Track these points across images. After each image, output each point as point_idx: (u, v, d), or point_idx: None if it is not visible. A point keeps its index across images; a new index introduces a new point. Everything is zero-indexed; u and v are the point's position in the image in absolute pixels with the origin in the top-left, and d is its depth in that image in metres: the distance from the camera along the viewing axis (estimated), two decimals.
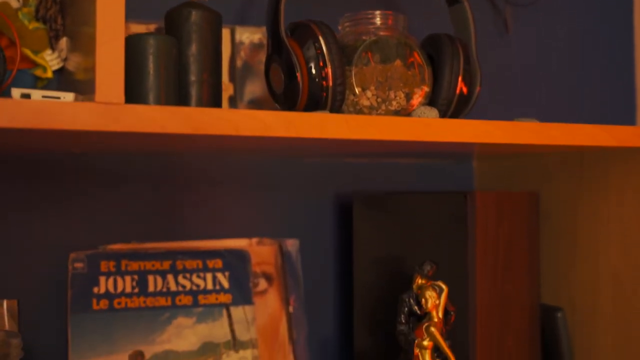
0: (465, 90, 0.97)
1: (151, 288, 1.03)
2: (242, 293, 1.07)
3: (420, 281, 0.89)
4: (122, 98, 0.71)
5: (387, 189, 1.20)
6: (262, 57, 1.09)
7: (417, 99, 0.94)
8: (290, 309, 1.11)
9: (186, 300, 1.04)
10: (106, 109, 0.69)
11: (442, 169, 1.29)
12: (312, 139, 0.79)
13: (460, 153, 1.12)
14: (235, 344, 1.04)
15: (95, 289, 1.01)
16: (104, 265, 1.02)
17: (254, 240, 1.12)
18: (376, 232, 1.06)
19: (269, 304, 1.10)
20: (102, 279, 1.01)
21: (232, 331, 1.05)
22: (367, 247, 1.07)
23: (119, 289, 1.02)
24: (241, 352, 1.04)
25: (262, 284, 1.10)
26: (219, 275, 1.07)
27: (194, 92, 0.88)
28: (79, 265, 1.01)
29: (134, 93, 0.79)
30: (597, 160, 1.07)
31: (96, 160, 1.06)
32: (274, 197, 1.17)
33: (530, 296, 1.07)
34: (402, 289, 0.99)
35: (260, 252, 1.11)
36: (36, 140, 0.79)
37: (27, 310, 1.00)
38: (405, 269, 1.02)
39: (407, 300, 0.90)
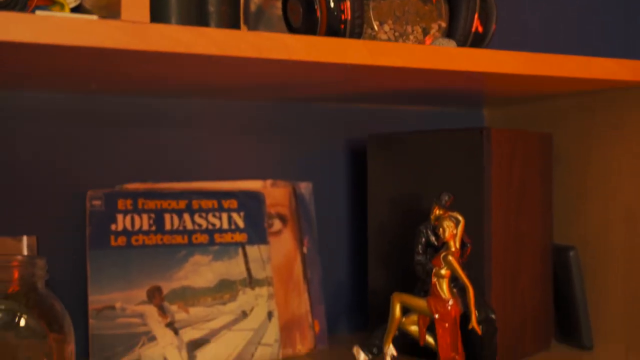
0: (480, 28, 0.98)
1: (168, 226, 1.04)
2: (257, 233, 1.08)
3: (438, 212, 0.90)
4: (148, 19, 0.72)
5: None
6: (275, 1, 1.09)
7: (434, 34, 0.94)
8: (304, 249, 1.12)
9: (202, 238, 1.05)
10: (133, 27, 0.69)
11: (453, 117, 1.29)
12: (333, 64, 0.79)
13: (471, 95, 1.12)
14: (251, 281, 1.05)
15: (113, 226, 1.02)
16: (121, 204, 1.03)
17: (268, 182, 1.13)
18: (390, 172, 1.06)
19: (283, 244, 1.11)
20: (120, 217, 1.02)
21: (248, 269, 1.06)
22: (381, 187, 1.08)
23: (137, 227, 1.02)
24: (257, 290, 1.05)
25: (277, 224, 1.11)
26: (234, 215, 1.08)
27: (212, 23, 0.88)
28: (96, 202, 1.02)
29: (156, 18, 0.80)
30: (609, 101, 1.08)
31: (113, 101, 1.06)
32: (288, 141, 1.17)
33: (543, 235, 1.08)
34: (417, 227, 1.00)
35: (275, 194, 1.12)
36: (58, 64, 0.79)
37: (46, 246, 1.01)
38: (420, 207, 1.03)
39: (424, 231, 0.91)
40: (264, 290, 1.06)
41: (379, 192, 1.08)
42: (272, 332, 1.04)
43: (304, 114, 1.19)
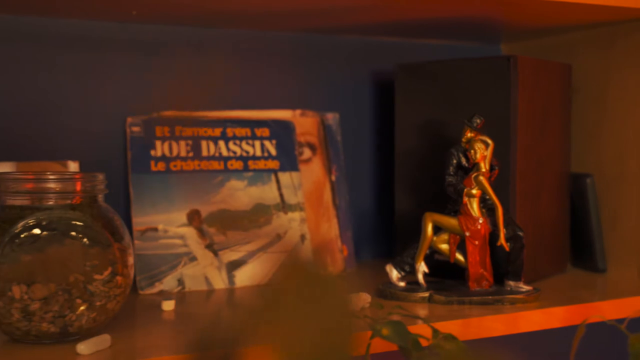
0: None
1: (204, 153, 1.08)
2: (289, 160, 1.12)
3: (469, 134, 0.94)
4: None
5: None
6: None
7: None
8: (332, 177, 1.16)
9: (237, 165, 1.09)
10: None
11: (471, 51, 1.33)
12: None
13: (489, 27, 1.16)
14: (284, 206, 1.10)
15: (153, 152, 1.06)
16: (159, 130, 1.07)
17: (297, 112, 1.17)
18: (417, 101, 1.10)
19: (313, 172, 1.15)
20: (158, 143, 1.06)
21: (281, 195, 1.10)
22: (408, 116, 1.12)
23: (174, 153, 1.06)
24: (290, 214, 1.10)
25: (307, 152, 1.16)
26: (267, 143, 1.12)
27: None
28: (136, 129, 1.06)
29: None
30: (627, 33, 1.11)
31: (152, 29, 1.09)
32: (315, 73, 1.21)
33: (561, 162, 1.13)
34: (445, 154, 1.05)
35: (304, 123, 1.16)
36: None
37: (88, 171, 1.05)
38: (447, 134, 1.07)
39: (455, 153, 0.95)
40: (296, 215, 1.10)
41: (406, 120, 1.12)
42: (305, 254, 1.09)
43: (330, 46, 1.22)
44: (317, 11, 1.02)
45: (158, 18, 1.05)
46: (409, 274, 0.98)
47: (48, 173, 0.77)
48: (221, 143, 1.09)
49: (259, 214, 1.08)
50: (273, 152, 1.12)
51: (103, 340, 0.74)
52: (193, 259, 1.03)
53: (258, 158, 1.11)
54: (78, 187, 0.77)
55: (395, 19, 1.09)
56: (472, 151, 0.93)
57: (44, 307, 0.73)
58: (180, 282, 1.01)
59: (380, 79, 1.26)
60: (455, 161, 0.95)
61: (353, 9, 1.01)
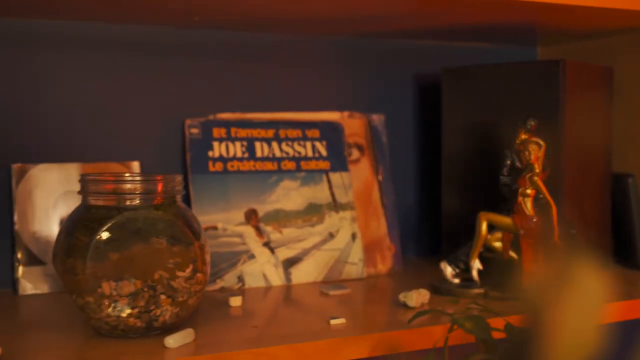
0: None
1: (259, 154, 1.11)
2: (339, 160, 1.16)
3: (523, 136, 0.97)
4: None
5: None
6: None
7: None
8: (379, 177, 1.19)
9: (290, 165, 1.13)
10: None
11: (507, 54, 1.36)
12: None
13: (525, 31, 1.19)
14: (335, 205, 1.13)
15: (210, 153, 1.09)
16: (216, 132, 1.10)
17: (345, 113, 1.20)
18: (464, 103, 1.13)
19: (361, 172, 1.18)
20: (216, 144, 1.09)
21: (332, 194, 1.14)
22: (455, 118, 1.15)
23: (231, 154, 1.10)
24: (341, 213, 1.13)
25: (355, 153, 1.19)
26: (317, 144, 1.15)
27: None
28: (194, 130, 1.09)
29: None
30: None
31: (208, 34, 1.12)
32: (361, 75, 1.24)
33: (604, 162, 1.16)
34: (492, 155, 1.08)
35: (352, 124, 1.19)
36: None
37: (148, 171, 1.08)
38: (494, 136, 1.10)
39: (509, 154, 0.99)
40: (347, 214, 1.13)
41: (452, 122, 1.15)
42: (357, 252, 1.12)
43: (375, 49, 1.25)
44: (364, 17, 1.05)
45: (216, 24, 1.08)
46: (463, 271, 1.01)
47: (130, 175, 0.81)
48: (274, 144, 1.13)
49: (311, 213, 1.12)
50: (324, 152, 1.15)
51: (188, 334, 0.77)
52: (252, 256, 1.06)
53: (309, 159, 1.14)
54: (159, 188, 0.80)
55: (436, 24, 1.12)
56: (527, 152, 0.96)
57: (131, 303, 0.76)
58: (240, 279, 1.04)
59: (423, 82, 1.29)
60: (509, 162, 0.99)
61: (396, 15, 1.04)
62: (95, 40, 1.06)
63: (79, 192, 0.81)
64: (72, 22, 1.04)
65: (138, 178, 0.79)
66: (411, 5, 0.98)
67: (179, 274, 0.78)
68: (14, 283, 1.02)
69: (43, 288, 1.01)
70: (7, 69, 1.02)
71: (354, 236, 1.13)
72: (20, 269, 1.00)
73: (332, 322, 0.85)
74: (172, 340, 0.75)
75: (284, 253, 1.08)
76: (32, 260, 1.01)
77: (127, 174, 0.82)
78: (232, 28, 1.12)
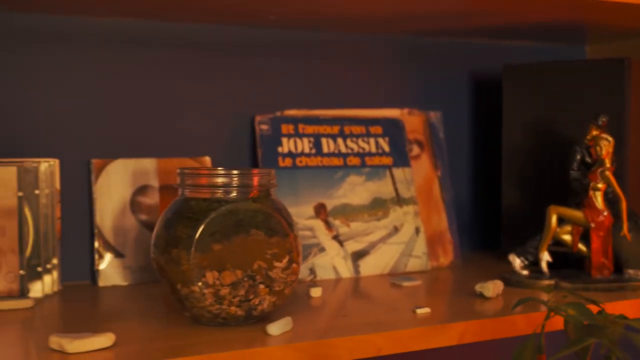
0: None
1: (325, 149, 1.14)
2: (401, 156, 1.18)
3: (594, 132, 1.00)
4: None
5: None
6: None
7: None
8: (438, 173, 1.22)
9: (355, 161, 1.15)
10: None
11: (555, 52, 1.39)
12: None
13: (574, 29, 1.22)
14: (399, 200, 1.16)
15: (280, 149, 1.11)
16: (284, 128, 1.12)
17: (405, 110, 1.23)
18: (526, 100, 1.16)
19: (422, 167, 1.21)
20: (285, 140, 1.12)
21: (396, 189, 1.16)
22: (517, 114, 1.18)
23: (299, 150, 1.12)
24: (404, 207, 1.16)
25: (415, 149, 1.21)
26: (380, 140, 1.18)
27: None
28: (264, 127, 1.11)
29: None
30: None
31: (276, 34, 1.15)
32: (418, 73, 1.27)
33: None
34: (553, 150, 1.11)
35: (411, 121, 1.22)
36: None
37: (219, 165, 1.11)
38: (557, 132, 1.13)
39: (579, 150, 1.01)
40: (410, 208, 1.16)
41: (513, 119, 1.18)
42: (420, 245, 1.15)
43: (431, 48, 1.28)
44: (421, 17, 1.08)
45: (290, 23, 1.10)
46: (532, 263, 1.04)
47: (228, 169, 0.83)
48: (339, 140, 1.15)
49: (377, 208, 1.14)
50: (386, 148, 1.18)
51: (287, 322, 0.79)
52: (322, 249, 1.08)
53: (373, 154, 1.16)
54: (255, 181, 0.82)
55: (489, 23, 1.14)
56: (598, 148, 0.99)
57: (233, 292, 0.79)
58: (312, 271, 1.07)
59: (477, 79, 1.32)
60: (579, 157, 1.01)
61: (452, 15, 1.07)
62: (170, 40, 1.09)
63: (177, 186, 0.83)
64: (150, 22, 1.07)
65: (236, 172, 0.82)
66: (466, 6, 1.00)
67: (276, 264, 0.81)
68: (93, 274, 1.04)
69: (121, 280, 1.03)
70: (88, 69, 1.04)
71: (417, 230, 1.15)
72: (100, 261, 1.03)
73: (418, 311, 0.87)
74: (275, 328, 0.78)
75: (352, 246, 1.10)
76: (111, 252, 1.03)
77: (220, 169, 0.84)
78: (302, 27, 1.14)
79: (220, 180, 0.81)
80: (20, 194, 0.92)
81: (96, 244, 1.03)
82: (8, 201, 0.91)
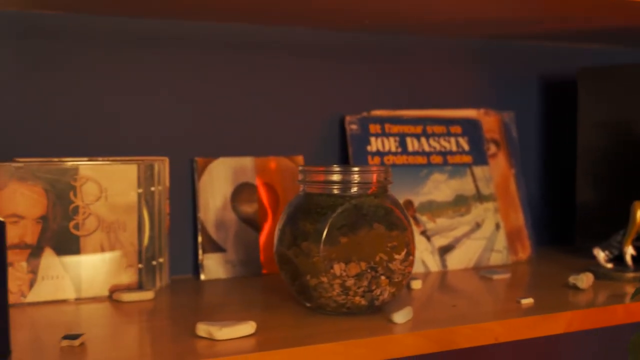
0: None
1: (410, 148, 1.18)
2: (479, 155, 1.23)
3: None
4: None
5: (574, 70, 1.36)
6: None
7: None
8: (513, 170, 1.27)
9: (438, 159, 1.20)
10: None
11: (623, 55, 1.44)
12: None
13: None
14: (480, 197, 1.20)
15: (368, 147, 1.16)
16: (372, 128, 1.17)
17: (481, 111, 1.27)
18: (601, 101, 1.21)
19: (499, 165, 1.26)
20: (373, 139, 1.17)
21: (477, 186, 1.21)
22: (592, 115, 1.22)
23: (386, 148, 1.17)
24: (485, 204, 1.20)
25: (492, 148, 1.26)
26: (460, 140, 1.22)
27: None
28: (354, 126, 1.16)
29: None
30: None
31: (366, 37, 1.20)
32: (492, 74, 1.32)
33: None
34: (629, 149, 1.16)
35: (487, 121, 1.27)
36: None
37: (312, 164, 1.16)
38: (633, 132, 1.18)
39: None
40: (490, 205, 1.21)
41: (589, 119, 1.23)
42: (501, 241, 1.19)
43: (504, 51, 1.33)
44: (498, 22, 1.12)
45: (380, 28, 1.15)
46: (616, 257, 1.08)
47: (348, 166, 0.88)
48: (423, 139, 1.20)
49: (460, 204, 1.19)
50: (466, 147, 1.22)
51: (409, 312, 0.84)
52: None
53: (454, 153, 1.21)
54: (374, 178, 0.87)
55: (563, 28, 1.19)
56: None
57: (357, 283, 0.84)
58: None
59: (548, 81, 1.37)
60: None
61: (527, 20, 1.11)
62: (267, 43, 1.13)
63: (299, 182, 0.88)
64: (248, 26, 1.11)
65: (356, 169, 0.86)
66: (541, 12, 1.05)
67: (396, 256, 0.85)
68: (196, 268, 1.09)
69: (222, 273, 1.08)
70: (194, 75, 1.09)
71: (497, 225, 1.20)
72: (204, 256, 1.07)
73: (523, 301, 0.92)
74: (400, 317, 0.82)
75: (439, 241, 1.15)
76: (213, 247, 1.08)
77: (343, 166, 0.89)
78: (388, 32, 1.19)
79: (343, 177, 0.86)
80: (140, 190, 0.97)
81: (199, 239, 1.08)
82: (129, 197, 0.96)
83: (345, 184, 0.86)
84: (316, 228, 0.83)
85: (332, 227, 0.83)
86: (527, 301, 0.92)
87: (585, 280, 0.99)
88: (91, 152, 1.03)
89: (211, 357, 0.71)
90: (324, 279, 0.83)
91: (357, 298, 0.84)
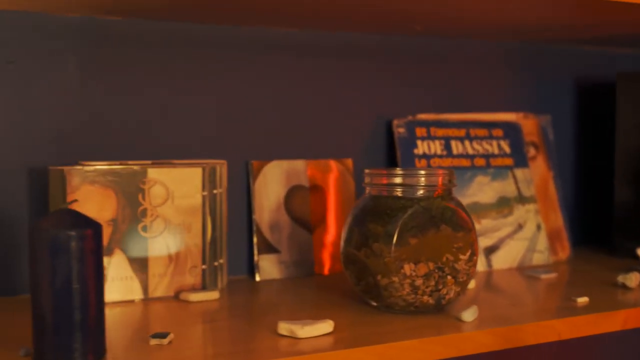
0: None
1: (455, 151, 1.21)
2: (520, 157, 1.26)
3: None
4: None
5: (608, 73, 1.39)
6: None
7: None
8: (552, 173, 1.30)
9: (481, 162, 1.23)
10: None
11: None
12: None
13: None
14: (521, 198, 1.23)
15: (415, 150, 1.19)
16: (418, 131, 1.20)
17: (520, 114, 1.30)
18: (639, 105, 1.24)
19: (538, 168, 1.29)
20: (419, 142, 1.19)
21: (518, 188, 1.24)
22: (631, 117, 1.26)
23: (432, 151, 1.20)
24: (526, 206, 1.23)
25: (532, 151, 1.29)
26: (502, 143, 1.25)
27: None
28: (401, 130, 1.19)
29: None
30: None
31: (413, 41, 1.23)
32: (529, 78, 1.35)
33: None
34: None
35: (526, 124, 1.30)
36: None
37: (360, 167, 1.19)
38: None
39: None
40: (531, 206, 1.24)
41: (627, 122, 1.26)
42: (542, 241, 1.23)
43: (541, 55, 1.36)
44: (537, 27, 1.15)
45: (432, 31, 1.18)
46: None
47: (415, 169, 0.91)
48: (467, 142, 1.23)
49: (502, 206, 1.22)
50: (507, 150, 1.25)
51: (475, 310, 0.87)
52: None
53: (496, 156, 1.24)
54: (440, 181, 0.90)
55: (600, 33, 1.22)
56: None
57: (425, 282, 0.86)
58: None
59: (583, 84, 1.40)
60: None
61: (566, 26, 1.14)
62: (318, 49, 1.16)
63: (365, 184, 0.91)
64: (300, 32, 1.14)
65: (423, 172, 0.89)
66: (580, 19, 1.08)
67: (461, 257, 0.88)
68: (251, 269, 1.12)
69: (277, 274, 1.11)
70: (251, 79, 1.12)
71: (538, 227, 1.23)
72: (259, 256, 1.10)
73: (579, 300, 0.95)
74: (468, 315, 0.85)
75: (484, 242, 1.18)
76: (268, 248, 1.11)
77: (402, 169, 0.92)
78: (435, 35, 1.22)
79: (410, 180, 0.89)
80: (205, 193, 0.99)
81: (255, 240, 1.10)
82: (194, 200, 0.98)
83: (412, 186, 0.89)
84: (387, 229, 0.86)
85: (402, 229, 0.86)
86: (583, 300, 0.95)
87: (634, 279, 1.03)
88: (151, 156, 1.05)
89: (295, 355, 0.74)
90: (395, 279, 0.86)
91: (425, 297, 0.87)
